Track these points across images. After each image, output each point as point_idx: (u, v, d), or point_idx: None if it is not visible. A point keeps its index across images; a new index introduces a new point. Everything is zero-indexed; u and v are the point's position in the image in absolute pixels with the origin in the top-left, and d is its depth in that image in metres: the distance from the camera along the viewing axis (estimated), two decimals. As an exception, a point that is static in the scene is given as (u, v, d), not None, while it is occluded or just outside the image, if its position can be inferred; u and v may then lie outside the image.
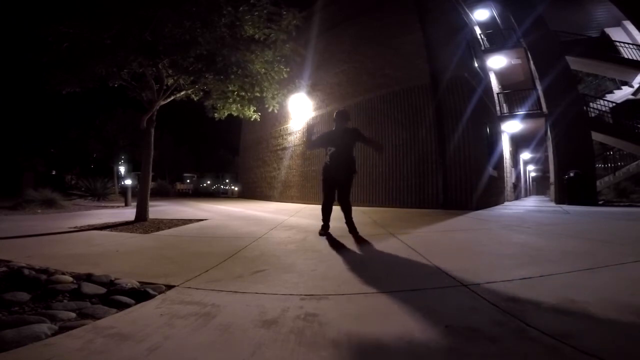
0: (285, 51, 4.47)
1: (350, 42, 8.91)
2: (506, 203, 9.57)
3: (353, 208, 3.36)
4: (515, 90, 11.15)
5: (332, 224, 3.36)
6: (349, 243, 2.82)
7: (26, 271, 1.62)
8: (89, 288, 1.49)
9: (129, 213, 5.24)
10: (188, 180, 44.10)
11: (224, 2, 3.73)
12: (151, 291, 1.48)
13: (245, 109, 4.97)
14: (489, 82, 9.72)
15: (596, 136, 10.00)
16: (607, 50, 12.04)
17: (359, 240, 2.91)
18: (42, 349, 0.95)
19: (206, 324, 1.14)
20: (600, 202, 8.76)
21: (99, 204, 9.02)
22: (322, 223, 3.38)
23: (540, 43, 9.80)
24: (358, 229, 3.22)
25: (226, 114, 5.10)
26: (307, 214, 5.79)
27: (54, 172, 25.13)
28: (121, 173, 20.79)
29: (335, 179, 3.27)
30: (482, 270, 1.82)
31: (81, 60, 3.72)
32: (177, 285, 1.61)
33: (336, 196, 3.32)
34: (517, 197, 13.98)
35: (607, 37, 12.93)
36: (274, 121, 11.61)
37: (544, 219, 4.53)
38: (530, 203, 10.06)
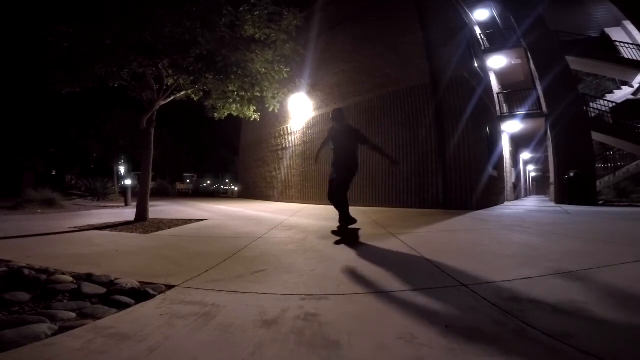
0: (285, 51, 4.47)
1: (350, 42, 8.91)
2: (506, 203, 9.57)
3: (353, 207, 3.37)
4: (515, 90, 11.14)
5: (328, 223, 3.32)
6: (349, 243, 2.82)
7: (26, 271, 1.62)
8: (89, 288, 1.49)
9: (129, 213, 5.24)
10: (188, 180, 44.15)
11: (224, 2, 3.73)
12: (151, 291, 1.48)
13: (245, 109, 4.97)
14: (489, 82, 9.72)
15: (596, 136, 9.99)
16: (607, 50, 12.04)
17: (355, 240, 2.91)
18: (42, 349, 0.95)
19: (206, 324, 1.14)
20: (600, 202, 8.76)
21: (99, 204, 9.02)
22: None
23: (540, 43, 9.80)
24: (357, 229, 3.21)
25: (226, 114, 5.10)
26: (307, 214, 5.79)
27: (54, 172, 25.15)
28: (121, 173, 20.80)
29: (337, 176, 3.30)
30: (482, 270, 1.82)
31: (81, 60, 3.72)
32: (177, 285, 1.61)
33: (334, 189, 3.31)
34: (517, 197, 13.98)
35: (607, 37, 12.92)
36: (274, 121, 11.62)
37: (544, 219, 4.53)
38: (530, 203, 10.06)
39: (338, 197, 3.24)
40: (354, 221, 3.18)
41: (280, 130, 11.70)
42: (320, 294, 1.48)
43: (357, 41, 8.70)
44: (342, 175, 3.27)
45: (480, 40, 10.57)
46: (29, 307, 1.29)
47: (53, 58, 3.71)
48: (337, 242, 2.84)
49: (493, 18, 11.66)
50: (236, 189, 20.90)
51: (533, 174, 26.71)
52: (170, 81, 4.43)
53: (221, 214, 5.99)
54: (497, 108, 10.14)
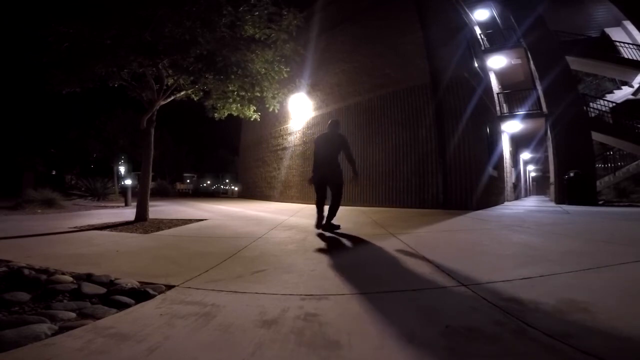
0: (285, 51, 4.48)
1: (350, 42, 8.91)
2: (506, 203, 9.57)
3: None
4: (515, 90, 11.14)
5: (340, 224, 3.60)
6: (350, 243, 2.82)
7: (26, 271, 1.62)
8: (89, 288, 1.49)
9: (129, 213, 5.24)
10: (188, 180, 44.13)
11: (224, 2, 3.73)
12: (151, 291, 1.48)
13: (245, 109, 4.97)
14: (489, 82, 9.72)
15: (596, 136, 9.98)
16: (607, 50, 12.03)
17: (355, 240, 2.92)
18: (42, 349, 0.95)
19: (206, 324, 1.14)
20: (600, 202, 8.76)
21: (99, 204, 9.02)
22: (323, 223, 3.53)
23: (540, 43, 9.80)
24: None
25: (226, 114, 5.10)
26: (307, 214, 5.79)
27: (54, 172, 25.14)
28: (121, 173, 20.79)
29: (327, 178, 3.57)
30: (482, 270, 1.82)
31: (81, 60, 3.72)
32: (177, 285, 1.61)
33: (328, 193, 3.62)
34: (517, 197, 13.97)
35: (607, 37, 12.92)
36: (274, 121, 11.62)
37: (544, 219, 4.53)
38: (530, 203, 10.06)
39: (339, 202, 3.57)
40: (338, 226, 3.55)
41: (280, 130, 11.70)
42: (320, 294, 1.48)
43: (357, 41, 8.70)
44: (338, 181, 3.57)
45: (480, 40, 10.57)
46: (29, 307, 1.29)
47: (53, 58, 3.71)
48: (337, 241, 2.84)
49: (493, 18, 11.65)
50: (236, 189, 20.91)
51: (533, 174, 26.70)
52: (170, 81, 4.43)
53: (221, 214, 5.99)
54: (497, 108, 10.14)
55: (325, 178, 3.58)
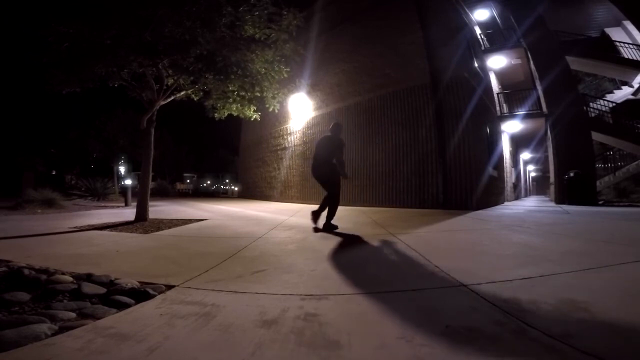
0: (285, 51, 4.48)
1: (350, 42, 8.91)
2: (506, 203, 9.57)
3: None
4: (515, 90, 11.14)
5: (340, 224, 3.68)
6: (350, 243, 2.82)
7: (26, 271, 1.62)
8: (89, 288, 1.49)
9: (129, 213, 5.24)
10: (188, 180, 44.14)
11: (224, 2, 3.73)
12: (151, 291, 1.48)
13: (245, 109, 4.97)
14: (489, 82, 9.72)
15: (596, 136, 9.99)
16: (607, 50, 12.03)
17: (355, 240, 2.92)
18: (42, 349, 0.95)
19: (206, 324, 1.14)
20: (600, 202, 8.76)
21: (99, 204, 9.02)
22: (322, 223, 3.60)
23: (540, 43, 9.80)
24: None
25: (226, 114, 5.10)
26: (307, 214, 5.75)
27: (54, 172, 25.14)
28: (121, 173, 20.79)
29: (325, 177, 3.69)
30: (483, 270, 1.82)
31: (81, 60, 3.72)
32: (177, 285, 1.61)
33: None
34: (517, 197, 13.97)
35: (607, 37, 12.92)
36: (274, 121, 11.62)
37: (544, 219, 4.52)
38: (530, 203, 10.06)
39: (335, 202, 3.70)
40: (336, 227, 3.61)
41: (280, 130, 11.70)
42: (320, 294, 1.48)
43: (357, 41, 8.70)
44: (334, 181, 3.68)
45: (480, 40, 10.57)
46: (29, 307, 1.29)
47: (53, 58, 3.71)
48: (337, 241, 2.85)
49: (493, 18, 11.65)
50: (236, 189, 20.91)
51: (533, 174, 26.70)
52: (170, 81, 4.43)
53: (221, 214, 5.99)
54: (497, 108, 10.14)
55: (322, 177, 3.69)
